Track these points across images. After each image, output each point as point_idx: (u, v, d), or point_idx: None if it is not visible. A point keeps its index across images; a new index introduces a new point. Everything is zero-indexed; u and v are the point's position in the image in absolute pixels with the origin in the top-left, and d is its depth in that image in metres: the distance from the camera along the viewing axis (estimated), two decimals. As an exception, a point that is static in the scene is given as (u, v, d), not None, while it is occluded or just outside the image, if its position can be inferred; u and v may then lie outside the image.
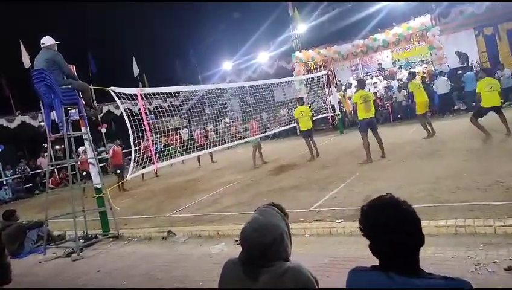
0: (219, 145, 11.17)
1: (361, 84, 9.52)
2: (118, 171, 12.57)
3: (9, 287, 3.85)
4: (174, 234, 6.29)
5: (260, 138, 11.89)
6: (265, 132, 13.45)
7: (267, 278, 1.56)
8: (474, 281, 3.07)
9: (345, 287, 1.53)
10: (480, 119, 8.56)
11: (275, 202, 1.82)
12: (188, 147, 9.71)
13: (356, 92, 9.39)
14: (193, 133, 13.85)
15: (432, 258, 3.57)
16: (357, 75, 21.13)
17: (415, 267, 1.41)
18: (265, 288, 1.56)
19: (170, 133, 12.97)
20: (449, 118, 13.97)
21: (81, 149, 10.21)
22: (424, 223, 4.62)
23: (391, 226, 1.38)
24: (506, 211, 4.20)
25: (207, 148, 11.03)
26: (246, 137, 12.16)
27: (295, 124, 12.05)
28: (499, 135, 8.34)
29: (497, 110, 8.53)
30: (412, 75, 11.65)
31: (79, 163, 8.43)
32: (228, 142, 12.19)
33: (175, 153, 10.78)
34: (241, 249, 1.69)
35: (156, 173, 14.30)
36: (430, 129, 10.34)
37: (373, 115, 8.96)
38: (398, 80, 18.07)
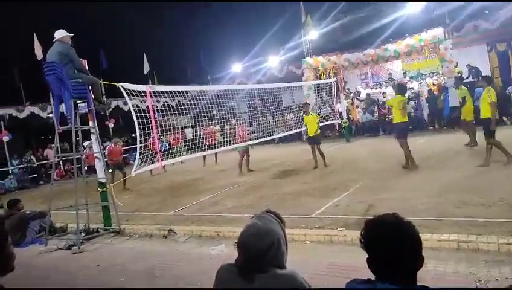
0: (227, 145, 10.99)
1: (403, 90, 8.92)
2: (110, 170, 11.79)
3: (9, 288, 3.88)
4: (175, 232, 6.31)
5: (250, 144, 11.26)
6: (257, 138, 12.27)
7: (262, 284, 1.57)
8: (474, 298, 3.05)
9: None
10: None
11: (271, 209, 1.84)
12: (193, 146, 9.54)
13: (396, 96, 8.61)
14: (200, 130, 13.30)
15: (432, 272, 3.53)
16: (367, 83, 21.09)
17: (413, 284, 1.40)
18: None
19: (176, 131, 12.86)
20: (460, 131, 13.81)
21: (85, 144, 10.11)
22: (426, 236, 4.54)
23: (390, 245, 1.38)
24: (510, 229, 4.16)
25: (214, 148, 11.08)
26: (250, 139, 11.91)
27: (301, 129, 11.79)
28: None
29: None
30: (461, 80, 10.82)
31: (85, 157, 8.41)
32: (234, 143, 12.01)
33: (179, 152, 10.63)
34: (238, 253, 1.69)
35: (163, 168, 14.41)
36: (474, 137, 10.06)
37: (407, 120, 8.53)
38: (409, 88, 17.98)
